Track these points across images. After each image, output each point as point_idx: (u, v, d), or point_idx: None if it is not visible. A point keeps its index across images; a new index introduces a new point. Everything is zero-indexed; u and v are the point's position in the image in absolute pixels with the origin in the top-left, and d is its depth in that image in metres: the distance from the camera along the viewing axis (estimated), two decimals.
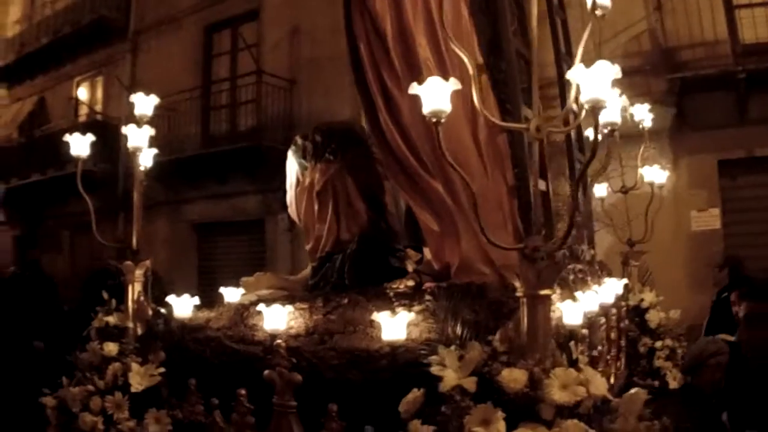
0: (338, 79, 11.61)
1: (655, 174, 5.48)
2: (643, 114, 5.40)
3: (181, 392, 3.32)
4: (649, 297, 5.12)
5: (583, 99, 2.14)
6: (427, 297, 3.03)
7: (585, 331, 2.88)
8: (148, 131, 3.92)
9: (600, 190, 5.53)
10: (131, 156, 3.96)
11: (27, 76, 19.34)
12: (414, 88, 2.28)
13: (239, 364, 3.12)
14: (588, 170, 4.59)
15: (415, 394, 2.36)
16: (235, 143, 13.25)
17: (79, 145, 3.92)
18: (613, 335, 3.96)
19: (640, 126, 5.47)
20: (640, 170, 5.31)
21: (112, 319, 3.70)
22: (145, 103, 3.96)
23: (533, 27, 2.65)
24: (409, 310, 2.93)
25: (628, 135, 5.86)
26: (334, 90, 11.60)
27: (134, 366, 3.40)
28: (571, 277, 3.56)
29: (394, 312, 2.82)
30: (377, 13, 3.35)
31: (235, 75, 14.57)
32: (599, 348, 3.43)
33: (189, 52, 15.05)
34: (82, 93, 17.98)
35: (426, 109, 2.28)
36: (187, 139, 14.14)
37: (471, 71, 2.38)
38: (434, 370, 2.32)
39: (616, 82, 2.17)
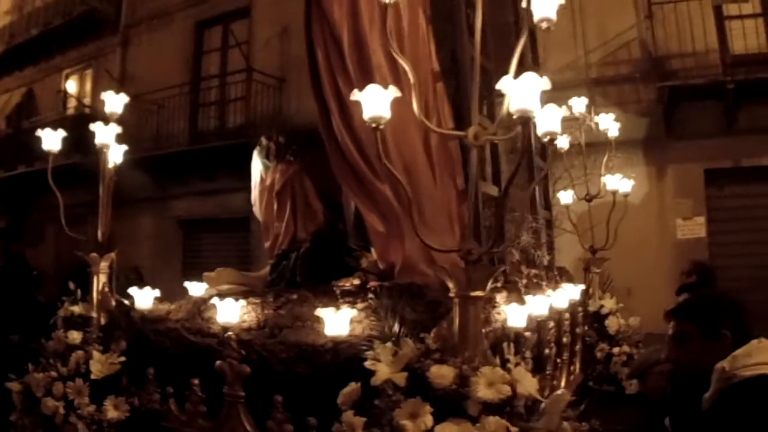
0: None
1: (620, 183, 5.62)
2: (608, 123, 5.49)
3: (141, 381, 3.47)
4: (609, 303, 5.27)
5: (512, 109, 2.27)
6: (371, 295, 3.18)
7: (528, 334, 3.07)
8: (115, 129, 4.16)
9: (566, 197, 5.70)
10: (99, 152, 4.20)
11: (16, 67, 19.35)
12: (355, 95, 2.43)
13: (196, 355, 3.27)
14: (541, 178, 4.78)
15: (352, 387, 2.49)
16: (224, 140, 13.29)
17: (51, 140, 4.19)
18: (565, 339, 4.11)
19: (608, 134, 5.55)
20: (603, 179, 5.48)
21: (77, 309, 3.87)
22: (114, 101, 4.20)
23: (476, 41, 2.77)
24: (353, 308, 3.08)
25: (599, 144, 6.00)
26: None
27: (95, 354, 3.56)
28: (524, 281, 3.83)
29: (339, 309, 2.96)
30: (334, 21, 3.50)
31: (225, 72, 14.67)
32: (546, 351, 3.55)
33: (179, 47, 15.11)
34: (71, 85, 18.01)
35: (366, 115, 2.43)
36: (175, 135, 14.22)
37: (412, 80, 2.53)
38: (368, 364, 2.45)
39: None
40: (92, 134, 4.25)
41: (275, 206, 4.34)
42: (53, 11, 17.65)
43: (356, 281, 3.46)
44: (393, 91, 2.43)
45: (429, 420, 2.25)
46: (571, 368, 4.40)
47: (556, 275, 4.86)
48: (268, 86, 13.27)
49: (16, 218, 18.43)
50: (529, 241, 4.59)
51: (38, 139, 4.35)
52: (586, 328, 5.10)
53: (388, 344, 2.51)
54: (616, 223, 5.65)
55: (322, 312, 2.96)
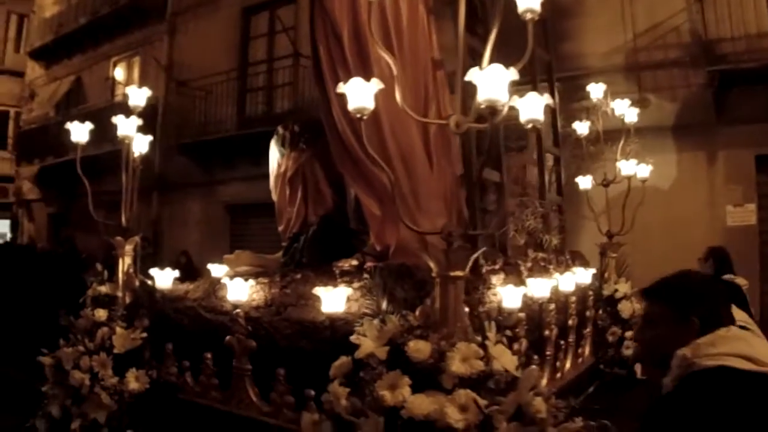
0: None
1: (639, 168, 5.74)
2: (624, 109, 5.50)
3: (161, 355, 3.80)
4: (623, 288, 5.31)
5: (480, 98, 2.42)
6: (366, 275, 3.40)
7: (523, 315, 3.26)
8: (136, 121, 4.40)
9: (585, 182, 5.83)
10: (122, 144, 4.44)
11: (65, 56, 19.95)
12: (340, 88, 2.62)
13: (210, 331, 3.54)
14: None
15: (342, 360, 2.67)
16: (271, 125, 13.44)
17: (79, 132, 4.46)
18: (571, 322, 4.19)
19: (625, 121, 5.59)
20: (618, 164, 5.56)
21: (104, 289, 4.21)
22: (138, 95, 4.50)
23: (460, 28, 2.89)
24: (350, 287, 3.30)
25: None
26: None
27: (118, 330, 3.87)
28: (528, 264, 4.02)
29: (336, 287, 3.18)
30: (335, 17, 3.74)
31: (272, 57, 14.85)
32: (546, 332, 3.63)
33: (226, 34, 15.35)
34: (119, 73, 18.43)
35: (351, 106, 2.62)
36: (223, 121, 14.45)
37: (395, 72, 2.70)
38: (353, 339, 2.63)
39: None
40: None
41: (288, 192, 4.57)
42: (101, 0, 18.08)
43: (354, 262, 3.66)
44: (376, 83, 2.60)
45: (407, 391, 2.41)
46: (580, 351, 4.43)
47: (568, 259, 4.96)
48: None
49: (65, 204, 18.92)
50: (537, 225, 4.75)
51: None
52: (600, 311, 5.11)
53: (375, 321, 2.68)
54: (634, 208, 5.73)
55: (318, 290, 3.15)
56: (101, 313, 4.00)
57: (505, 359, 2.51)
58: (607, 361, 4.93)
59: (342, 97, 2.74)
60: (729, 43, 9.32)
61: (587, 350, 4.66)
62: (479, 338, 2.56)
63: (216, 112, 14.55)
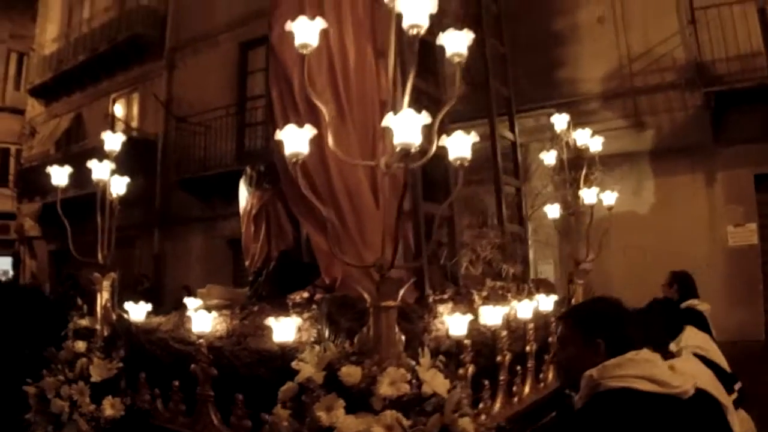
0: None
1: (604, 196, 5.86)
2: (586, 139, 5.73)
3: (136, 383, 4.01)
4: None
5: (395, 142, 2.60)
6: (314, 306, 3.71)
7: (468, 342, 3.47)
8: (109, 165, 4.60)
9: (552, 211, 5.93)
10: (97, 186, 4.64)
11: (64, 93, 20.28)
12: (277, 134, 2.84)
13: (180, 360, 3.77)
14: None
15: (289, 385, 2.88)
16: (270, 159, 13.56)
17: (59, 175, 4.81)
18: (529, 348, 4.30)
19: (590, 150, 5.80)
20: (580, 192, 5.66)
21: (84, 322, 4.48)
22: (113, 140, 4.68)
23: (390, 78, 3.12)
24: (300, 317, 3.60)
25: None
26: None
27: (95, 360, 4.10)
28: (484, 293, 4.30)
29: (288, 318, 3.48)
30: (287, 63, 4.00)
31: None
32: (498, 358, 3.91)
33: (224, 69, 15.62)
34: (119, 109, 18.80)
35: (286, 152, 2.84)
36: (223, 156, 14.59)
37: (327, 118, 2.92)
38: (294, 365, 2.90)
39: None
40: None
41: (252, 229, 4.86)
42: (99, 37, 18.44)
43: (305, 294, 3.93)
44: (309, 129, 2.81)
45: (341, 413, 2.62)
46: (542, 376, 4.54)
47: (530, 287, 5.10)
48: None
49: (66, 241, 19.02)
50: (495, 255, 5.00)
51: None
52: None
53: (316, 348, 2.93)
54: (600, 236, 5.85)
55: (270, 321, 3.40)
56: (80, 345, 4.23)
57: (436, 383, 2.69)
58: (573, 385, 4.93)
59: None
60: (723, 63, 9.43)
61: (550, 375, 4.71)
62: (412, 363, 2.74)
63: (216, 147, 14.73)
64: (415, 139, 2.62)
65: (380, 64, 4.29)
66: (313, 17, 3.12)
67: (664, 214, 9.45)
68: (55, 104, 20.94)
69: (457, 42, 2.87)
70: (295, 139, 2.85)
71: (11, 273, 24.08)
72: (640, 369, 2.36)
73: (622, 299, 2.72)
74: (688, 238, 9.25)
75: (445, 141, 2.81)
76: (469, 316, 3.49)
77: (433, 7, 2.78)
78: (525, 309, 4.23)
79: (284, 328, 3.34)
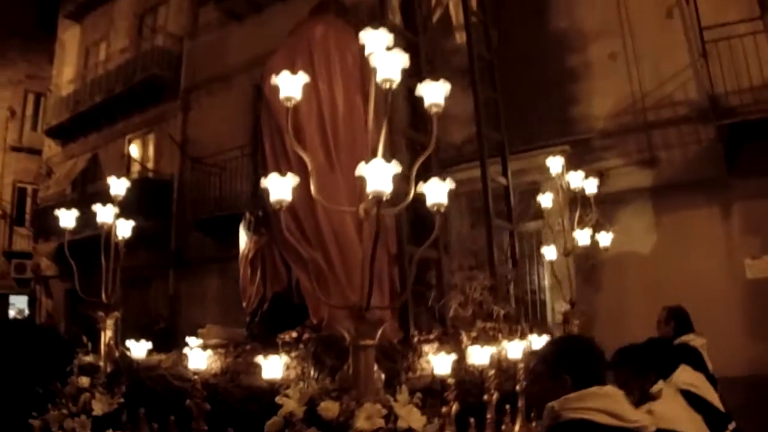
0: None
1: (600, 237, 6.10)
2: (579, 181, 5.92)
3: (137, 417, 4.30)
4: None
5: (368, 190, 2.83)
6: (301, 345, 3.95)
7: (452, 381, 3.66)
8: (113, 209, 5.05)
9: (549, 252, 6.09)
10: (101, 229, 5.11)
11: (81, 134, 20.56)
12: (262, 182, 3.09)
13: (178, 396, 4.04)
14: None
15: (274, 419, 3.14)
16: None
17: (67, 218, 5.38)
18: (519, 387, 4.46)
19: (585, 192, 6.08)
20: (574, 234, 5.86)
21: (88, 358, 4.93)
22: (118, 185, 5.17)
23: (370, 128, 3.30)
24: (288, 356, 3.83)
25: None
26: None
27: (97, 395, 4.43)
28: (474, 333, 4.55)
29: (280, 356, 3.75)
30: (277, 112, 4.23)
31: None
32: (485, 397, 4.08)
33: (239, 110, 15.73)
34: (134, 150, 19.01)
35: (271, 198, 3.07)
36: (238, 197, 14.70)
37: (310, 167, 3.15)
38: (277, 399, 3.20)
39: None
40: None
41: (249, 272, 5.12)
42: (115, 79, 18.74)
43: (294, 334, 4.15)
44: (291, 178, 3.09)
45: None
46: (533, 414, 4.65)
47: (523, 327, 5.27)
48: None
49: (83, 281, 19.12)
50: (486, 297, 5.19)
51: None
52: None
53: (300, 384, 3.21)
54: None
55: (259, 359, 3.66)
56: (84, 381, 4.64)
57: (411, 418, 2.92)
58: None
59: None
60: (736, 95, 9.47)
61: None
62: (390, 399, 2.97)
63: (231, 188, 14.85)
64: (386, 188, 2.81)
65: (368, 110, 4.42)
66: (304, 69, 3.44)
67: (680, 249, 9.45)
68: (71, 145, 21.18)
69: (434, 93, 3.12)
70: (278, 187, 3.07)
71: (27, 312, 24.25)
72: (599, 402, 2.49)
73: (596, 338, 2.91)
74: (705, 272, 9.25)
75: (422, 187, 3.05)
76: (453, 356, 3.70)
77: (405, 62, 3.01)
78: (515, 349, 4.43)
79: (272, 366, 3.57)
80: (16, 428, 4.78)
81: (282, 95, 3.28)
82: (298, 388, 3.19)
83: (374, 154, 2.97)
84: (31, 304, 23.33)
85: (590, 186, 6.08)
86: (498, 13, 11.51)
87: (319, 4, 5.52)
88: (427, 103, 3.13)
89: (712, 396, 4.30)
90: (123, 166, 18.67)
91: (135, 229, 5.09)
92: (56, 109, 21.57)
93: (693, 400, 3.98)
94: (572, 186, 5.96)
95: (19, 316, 24.25)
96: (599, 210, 8.93)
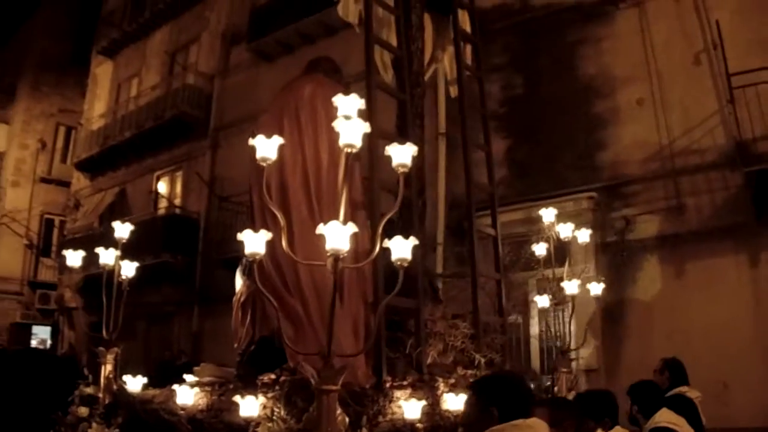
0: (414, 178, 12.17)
1: (592, 287, 6.29)
2: (568, 232, 6.17)
3: None
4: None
5: (327, 247, 3.17)
6: (278, 387, 4.26)
7: (420, 425, 4.06)
8: (115, 252, 5.58)
9: (542, 301, 6.32)
10: (104, 270, 5.52)
11: (109, 168, 20.87)
12: (240, 235, 3.40)
13: (168, 429, 4.43)
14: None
15: None
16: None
17: (73, 258, 5.75)
18: None
19: (579, 241, 6.38)
20: (563, 284, 6.11)
21: (88, 390, 5.32)
22: (122, 229, 5.71)
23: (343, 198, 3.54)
24: (266, 396, 4.17)
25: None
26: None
27: (94, 425, 4.92)
28: (452, 380, 4.86)
29: (257, 397, 4.10)
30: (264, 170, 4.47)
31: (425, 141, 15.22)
32: None
33: None
34: (162, 186, 19.25)
35: (246, 251, 3.39)
36: None
37: (282, 224, 3.57)
38: None
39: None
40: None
41: (240, 314, 5.38)
42: (145, 115, 19.04)
43: (273, 376, 4.39)
44: (264, 234, 3.40)
45: None
46: None
47: None
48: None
49: (106, 313, 19.25)
50: (468, 344, 5.49)
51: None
52: None
53: (270, 423, 3.66)
54: (584, 325, 6.63)
55: (237, 398, 4.02)
56: (83, 411, 5.09)
57: None
58: None
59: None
60: (764, 142, 9.43)
61: None
62: None
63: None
64: (343, 246, 3.15)
65: (354, 167, 4.77)
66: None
67: (707, 297, 9.38)
68: (100, 178, 21.49)
69: (401, 154, 3.50)
70: (252, 241, 3.40)
71: (49, 342, 24.44)
72: None
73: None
74: (732, 320, 9.18)
75: (387, 243, 3.40)
76: (424, 402, 4.16)
77: (366, 128, 3.35)
78: None
79: (249, 405, 3.93)
80: None
81: (258, 155, 3.59)
82: (267, 426, 3.65)
83: (337, 215, 3.31)
84: (54, 334, 23.54)
85: (583, 236, 6.36)
86: (527, 60, 11.69)
87: (310, 62, 5.87)
88: (394, 163, 3.50)
89: None
90: (150, 202, 19.00)
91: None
92: (86, 143, 21.92)
93: None
94: (561, 237, 6.24)
95: (40, 347, 24.48)
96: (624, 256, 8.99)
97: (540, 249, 6.39)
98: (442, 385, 4.77)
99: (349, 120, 3.37)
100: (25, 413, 7.81)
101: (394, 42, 6.19)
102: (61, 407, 5.37)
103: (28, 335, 24.99)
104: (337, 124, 3.37)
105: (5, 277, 25.71)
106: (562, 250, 10.09)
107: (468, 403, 3.10)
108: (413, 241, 3.43)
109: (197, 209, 17.00)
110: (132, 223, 17.54)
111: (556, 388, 5.93)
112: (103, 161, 20.85)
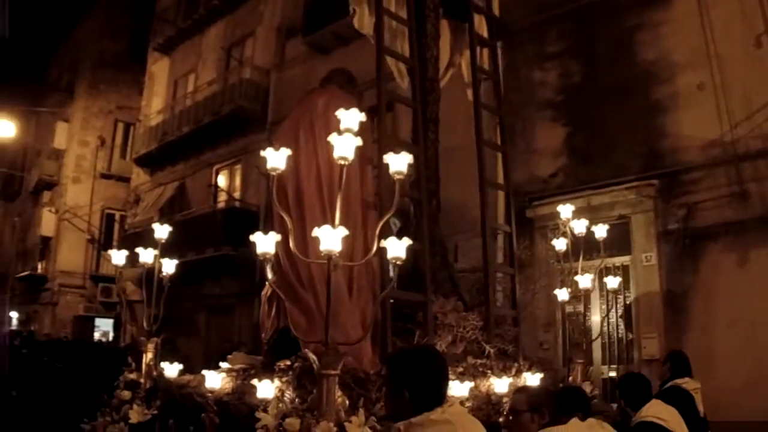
0: (473, 167, 12.19)
1: (608, 280, 6.66)
2: (582, 228, 6.43)
3: (166, 427, 5.29)
4: (586, 389, 5.78)
5: (321, 248, 3.75)
6: (290, 372, 4.66)
7: None
8: (153, 252, 6.17)
9: (561, 294, 6.45)
10: (142, 267, 6.26)
11: (168, 163, 21.34)
12: (252, 237, 4.07)
13: (200, 410, 4.87)
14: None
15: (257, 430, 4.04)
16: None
17: (118, 257, 6.32)
18: (501, 419, 4.97)
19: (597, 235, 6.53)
20: (576, 278, 6.29)
21: (132, 376, 5.98)
22: (161, 230, 6.26)
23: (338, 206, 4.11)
24: (281, 380, 4.60)
25: None
26: (470, 178, 12.09)
27: (135, 407, 5.50)
28: (460, 369, 5.29)
29: (273, 381, 4.54)
30: (283, 175, 4.84)
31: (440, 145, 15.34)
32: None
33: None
34: (221, 180, 19.57)
35: (258, 250, 4.04)
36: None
37: (290, 226, 4.27)
38: (257, 414, 4.09)
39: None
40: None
41: (266, 308, 5.71)
42: (203, 110, 19.39)
43: (288, 362, 4.80)
44: (273, 236, 4.03)
45: None
46: None
47: (520, 365, 5.89)
48: (409, 176, 13.83)
49: (167, 306, 19.73)
50: (478, 335, 5.94)
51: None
52: None
53: (281, 404, 4.15)
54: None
55: (254, 382, 4.50)
56: (126, 394, 5.69)
57: None
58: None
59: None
60: None
61: None
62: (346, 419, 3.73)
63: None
64: (335, 247, 3.68)
65: (366, 169, 5.38)
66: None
67: None
68: (159, 173, 21.99)
69: (398, 162, 4.04)
70: (263, 242, 4.02)
71: (112, 334, 25.14)
72: (439, 430, 2.67)
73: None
74: None
75: (384, 243, 3.92)
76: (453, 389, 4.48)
77: (358, 141, 3.91)
78: (502, 384, 5.16)
79: (265, 388, 4.38)
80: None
81: (268, 166, 4.24)
82: (276, 406, 4.08)
83: (346, 217, 3.95)
84: (116, 327, 24.17)
85: (600, 231, 6.52)
86: (584, 47, 11.66)
87: (328, 74, 6.35)
88: (391, 170, 4.05)
89: (679, 429, 4.65)
90: (210, 196, 19.35)
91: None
92: (145, 139, 22.42)
93: (656, 430, 4.51)
94: (576, 232, 6.41)
95: (103, 339, 25.19)
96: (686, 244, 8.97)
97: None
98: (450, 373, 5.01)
99: (342, 135, 3.88)
100: (77, 396, 8.48)
101: (407, 51, 6.60)
102: (107, 391, 5.95)
103: (91, 328, 25.73)
104: (332, 139, 3.90)
105: (68, 272, 26.53)
106: (623, 239, 10.19)
107: (385, 381, 3.21)
108: (407, 241, 3.91)
109: (256, 202, 17.13)
110: (192, 216, 18.16)
111: (570, 378, 6.15)
112: (161, 156, 21.31)
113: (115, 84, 28.11)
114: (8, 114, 23.50)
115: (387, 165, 4.17)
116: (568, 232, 6.47)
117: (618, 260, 10.30)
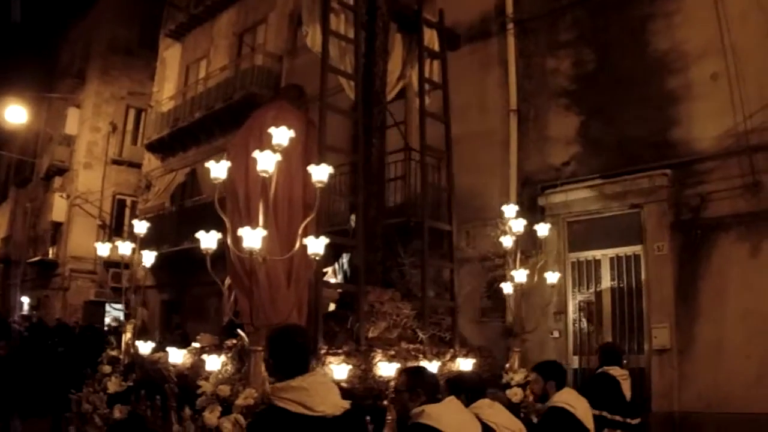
0: (485, 156, 12.28)
1: (549, 275, 7.38)
2: (520, 227, 7.09)
3: (139, 397, 6.10)
4: (518, 377, 6.69)
5: (243, 245, 4.65)
6: (233, 349, 5.81)
7: (345, 384, 5.09)
8: (131, 245, 7.09)
9: (506, 287, 7.17)
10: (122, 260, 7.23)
11: (180, 149, 21.39)
12: (197, 234, 5.04)
13: (166, 382, 5.57)
14: None
15: (201, 398, 4.96)
16: (384, 218, 13.83)
17: (139, 227, 7.15)
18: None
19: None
20: (512, 273, 7.00)
21: (113, 353, 6.95)
22: (140, 226, 7.18)
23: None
24: (226, 356, 5.69)
25: None
26: (482, 166, 12.24)
27: (113, 379, 6.48)
28: (392, 352, 6.12)
29: (219, 356, 5.62)
30: (235, 179, 5.70)
31: (384, 152, 15.28)
32: (385, 402, 5.25)
33: (338, 129, 15.90)
34: None
35: (202, 245, 4.99)
36: (338, 214, 14.96)
37: (228, 226, 5.04)
38: (198, 382, 5.09)
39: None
40: None
41: (227, 295, 6.25)
42: (214, 96, 19.43)
43: (234, 341, 5.88)
44: (214, 235, 4.99)
45: (216, 414, 4.73)
46: None
47: (454, 351, 6.78)
48: (427, 165, 13.76)
49: (178, 292, 19.85)
50: (412, 323, 6.82)
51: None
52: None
53: (220, 375, 5.23)
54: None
55: (204, 357, 5.54)
56: (107, 368, 6.68)
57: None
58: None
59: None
60: None
61: None
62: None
63: (329, 206, 15.09)
64: (255, 245, 4.60)
65: (306, 174, 5.75)
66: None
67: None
68: (170, 159, 22.03)
69: (320, 172, 4.97)
70: (207, 239, 4.92)
71: (122, 320, 25.18)
72: (295, 395, 3.22)
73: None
74: None
75: (305, 241, 4.95)
76: (350, 366, 5.45)
77: (278, 157, 4.77)
78: (432, 367, 5.53)
79: (212, 362, 5.40)
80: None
81: (212, 175, 5.07)
82: (215, 376, 5.09)
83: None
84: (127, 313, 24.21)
85: (542, 230, 7.39)
86: (597, 35, 11.60)
87: (281, 89, 7.20)
88: (314, 179, 4.96)
89: (586, 418, 5.22)
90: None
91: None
92: (156, 125, 22.48)
93: (565, 416, 5.10)
94: (514, 230, 7.05)
95: (114, 324, 25.30)
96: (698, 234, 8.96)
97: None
98: (380, 355, 5.93)
99: (264, 152, 4.72)
100: (69, 371, 9.52)
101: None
102: (92, 366, 6.91)
103: (102, 313, 25.81)
104: (256, 154, 4.76)
105: (79, 257, 26.62)
106: (633, 227, 10.18)
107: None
108: (324, 240, 5.00)
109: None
110: (203, 202, 18.23)
111: (507, 365, 6.89)
112: (173, 142, 21.37)
113: (127, 70, 28.13)
114: (20, 100, 23.59)
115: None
116: (510, 229, 7.08)
117: (630, 249, 10.31)
